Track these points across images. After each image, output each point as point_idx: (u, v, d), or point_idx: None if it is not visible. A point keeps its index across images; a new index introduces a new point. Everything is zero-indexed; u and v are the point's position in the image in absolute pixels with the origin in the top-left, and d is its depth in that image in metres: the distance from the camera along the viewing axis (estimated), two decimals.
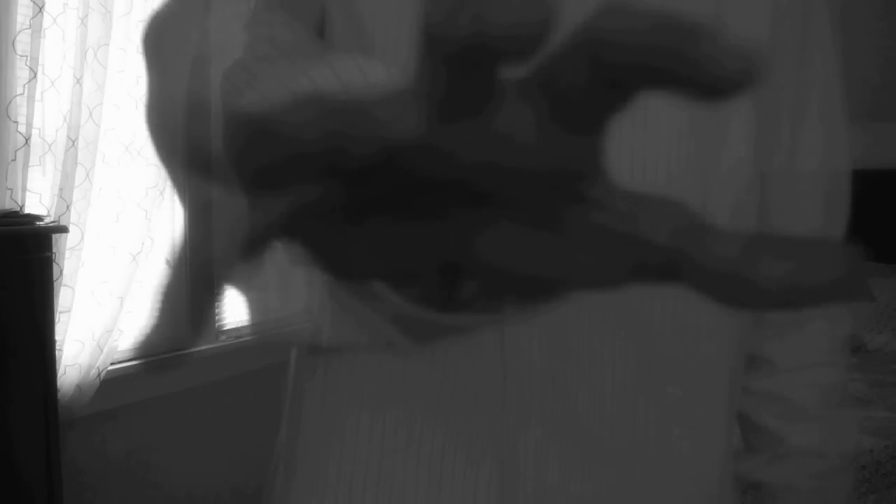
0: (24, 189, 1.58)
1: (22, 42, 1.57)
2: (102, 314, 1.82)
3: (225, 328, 2.25)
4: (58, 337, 1.60)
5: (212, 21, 0.38)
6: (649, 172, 0.49)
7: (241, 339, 2.26)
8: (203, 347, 2.15)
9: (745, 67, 0.15)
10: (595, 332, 0.50)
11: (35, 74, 1.59)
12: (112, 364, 1.88)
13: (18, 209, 1.55)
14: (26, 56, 1.57)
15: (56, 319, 1.57)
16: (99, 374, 1.81)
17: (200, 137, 0.17)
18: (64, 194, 1.68)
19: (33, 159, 1.62)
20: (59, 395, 1.62)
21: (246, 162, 0.17)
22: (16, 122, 1.56)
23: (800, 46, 0.57)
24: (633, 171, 0.49)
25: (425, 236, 0.20)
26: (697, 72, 0.15)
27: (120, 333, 1.85)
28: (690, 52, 0.15)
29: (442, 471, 0.52)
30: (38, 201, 1.66)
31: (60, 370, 1.68)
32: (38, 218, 1.53)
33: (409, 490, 0.52)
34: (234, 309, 2.27)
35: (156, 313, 0.20)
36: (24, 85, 1.57)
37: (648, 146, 0.49)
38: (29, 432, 1.43)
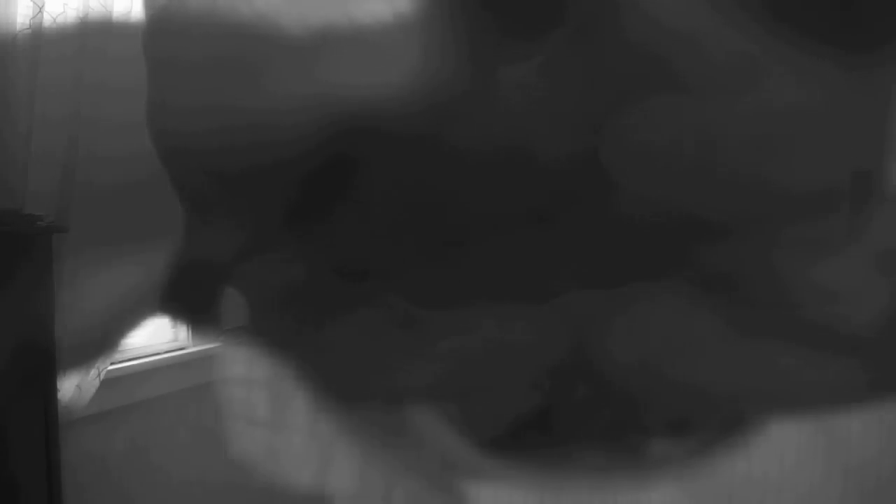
0: (24, 189, 1.58)
1: None
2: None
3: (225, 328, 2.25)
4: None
5: (211, 22, 0.38)
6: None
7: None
8: (203, 347, 2.15)
9: None
10: None
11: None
12: (112, 364, 1.88)
13: (18, 209, 1.55)
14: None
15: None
16: (99, 374, 1.81)
17: (200, 139, 0.17)
18: (64, 194, 1.68)
19: (34, 159, 1.61)
20: (59, 395, 1.62)
21: (245, 163, 0.16)
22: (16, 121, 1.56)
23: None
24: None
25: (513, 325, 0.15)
26: None
27: None
28: None
29: None
30: (38, 201, 1.65)
31: (60, 370, 1.68)
32: (39, 218, 1.53)
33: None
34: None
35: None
36: None
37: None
38: (29, 432, 1.43)
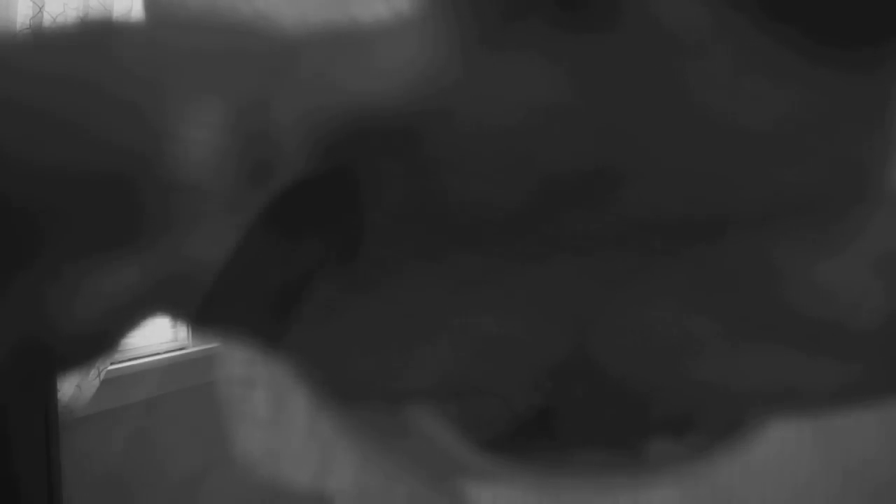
0: None
1: None
2: None
3: None
4: None
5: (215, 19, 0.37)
6: None
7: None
8: (203, 347, 2.15)
9: None
10: None
11: None
12: (112, 364, 1.88)
13: None
14: None
15: None
16: (99, 374, 1.81)
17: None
18: None
19: None
20: (59, 395, 1.62)
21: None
22: None
23: None
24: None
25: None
26: None
27: None
28: None
29: None
30: None
31: None
32: None
33: None
34: None
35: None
36: None
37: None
38: (29, 432, 1.43)
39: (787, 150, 0.14)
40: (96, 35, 0.11)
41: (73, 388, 1.75)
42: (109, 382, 1.86)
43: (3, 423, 1.37)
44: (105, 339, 0.13)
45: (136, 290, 0.12)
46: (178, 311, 0.15)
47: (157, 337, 2.14)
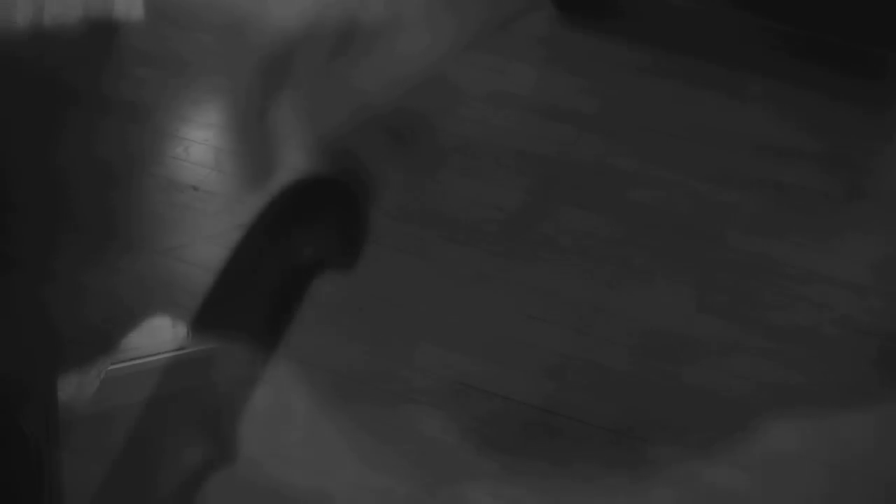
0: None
1: None
2: None
3: None
4: None
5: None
6: None
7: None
8: (203, 347, 2.15)
9: None
10: None
11: None
12: (112, 364, 1.88)
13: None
14: None
15: None
16: (99, 374, 1.81)
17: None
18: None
19: None
20: (59, 395, 1.62)
21: None
22: None
23: None
24: None
25: None
26: None
27: None
28: None
29: None
30: None
31: None
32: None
33: None
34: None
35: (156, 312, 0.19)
36: None
37: None
38: (29, 432, 1.43)
39: (787, 151, 0.14)
40: (96, 35, 0.11)
41: (73, 388, 1.75)
42: (109, 382, 1.85)
43: (3, 422, 1.37)
44: (105, 338, 0.13)
45: (136, 290, 0.12)
46: (177, 311, 0.15)
47: (157, 337, 2.14)
